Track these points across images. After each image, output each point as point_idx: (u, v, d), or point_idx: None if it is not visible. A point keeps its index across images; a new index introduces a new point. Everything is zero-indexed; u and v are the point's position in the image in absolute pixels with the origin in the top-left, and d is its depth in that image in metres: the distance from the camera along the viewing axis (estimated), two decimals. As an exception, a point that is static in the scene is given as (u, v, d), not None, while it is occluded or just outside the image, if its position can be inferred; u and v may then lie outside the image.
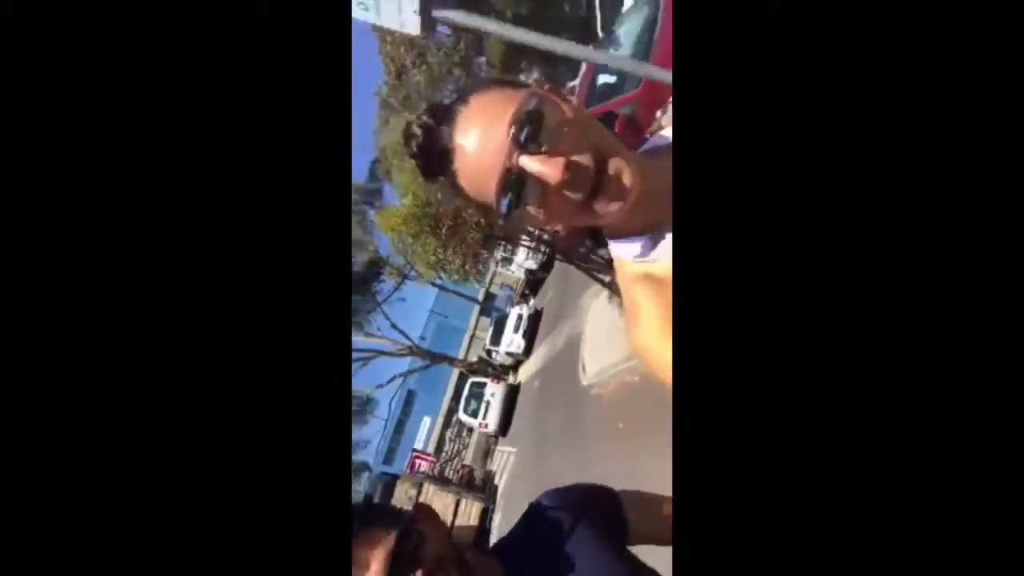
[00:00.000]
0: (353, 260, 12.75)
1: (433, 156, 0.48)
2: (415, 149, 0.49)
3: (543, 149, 0.44)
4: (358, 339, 13.21)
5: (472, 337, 19.07)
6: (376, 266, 12.79)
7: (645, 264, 0.54)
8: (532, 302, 14.31)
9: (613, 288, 6.06)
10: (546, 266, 13.02)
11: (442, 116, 0.48)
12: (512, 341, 12.74)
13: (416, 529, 0.64)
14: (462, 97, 0.48)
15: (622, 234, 0.55)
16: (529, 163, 0.44)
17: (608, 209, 0.46)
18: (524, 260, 13.57)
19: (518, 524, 0.78)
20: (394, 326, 13.48)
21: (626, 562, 0.72)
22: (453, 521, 8.96)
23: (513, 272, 15.78)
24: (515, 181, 0.45)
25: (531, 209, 0.46)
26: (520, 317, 12.97)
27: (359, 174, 15.56)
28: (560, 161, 0.44)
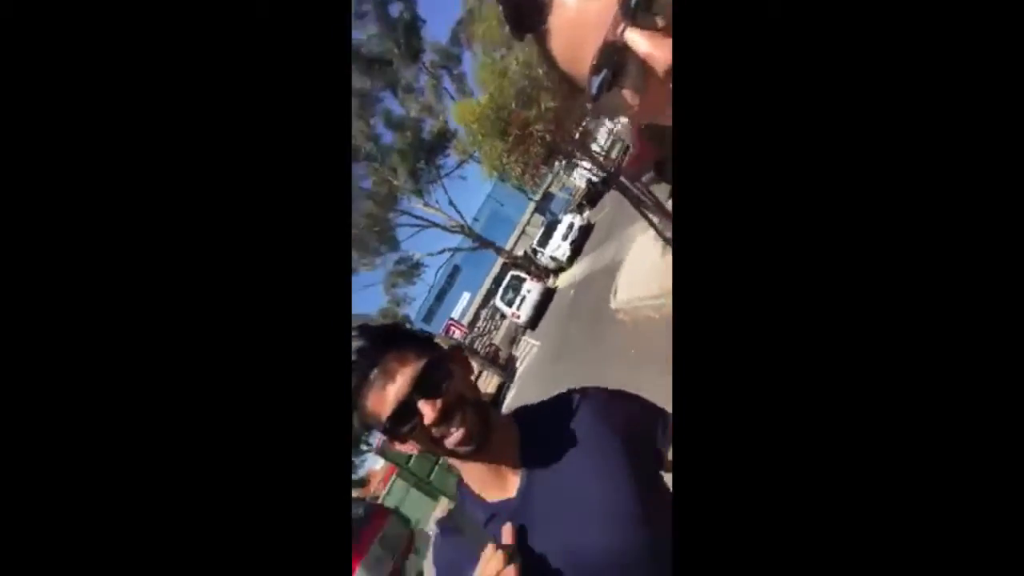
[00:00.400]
0: (423, 127, 12.87)
1: (524, 6, 0.41)
2: None
3: (658, 24, 0.36)
4: (417, 207, 13.54)
5: (522, 232, 19.34)
6: (444, 138, 12.81)
7: None
8: (587, 214, 14.60)
9: (658, 229, 6.43)
10: (607, 182, 13.10)
11: None
12: (559, 247, 13.16)
13: (447, 365, 0.66)
14: None
15: None
16: (638, 40, 0.36)
17: None
18: (588, 170, 13.62)
19: (549, 399, 0.77)
20: (451, 202, 13.73)
21: (642, 483, 0.66)
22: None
23: (575, 180, 15.82)
24: (615, 58, 0.37)
25: (627, 94, 0.39)
26: (571, 226, 13.24)
27: (441, 34, 14.89)
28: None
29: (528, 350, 11.93)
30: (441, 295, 26.25)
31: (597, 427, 0.71)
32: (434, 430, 0.64)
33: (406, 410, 0.63)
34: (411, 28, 12.71)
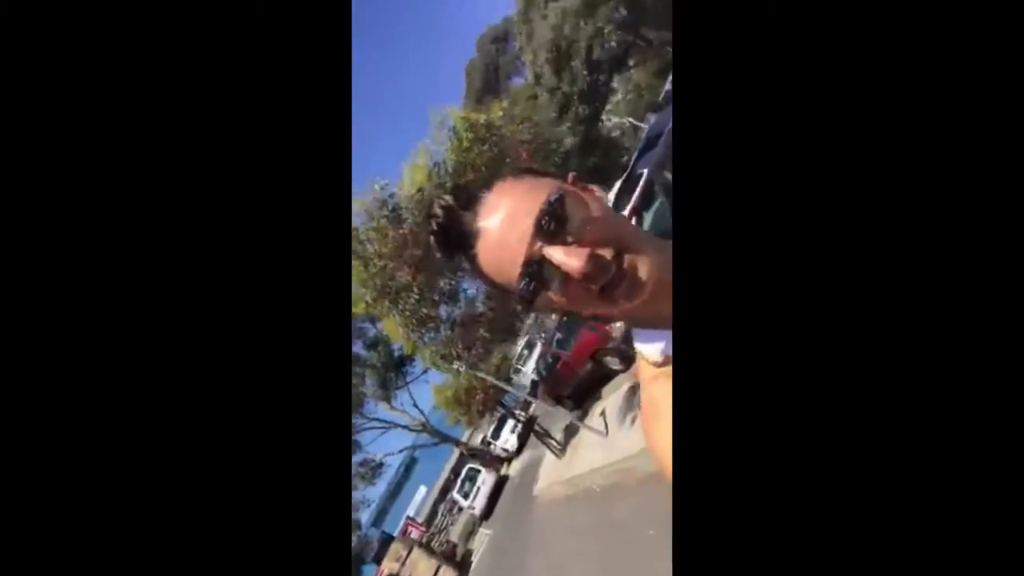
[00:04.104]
0: (394, 344, 13.67)
1: (451, 236, 0.51)
2: (435, 227, 0.51)
3: (568, 240, 0.47)
4: (383, 411, 15.45)
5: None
6: (412, 357, 14.05)
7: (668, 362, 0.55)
8: (532, 408, 13.65)
9: (553, 449, 8.51)
10: (526, 428, 13.65)
11: (465, 200, 0.51)
12: (508, 440, 14.18)
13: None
14: (487, 184, 0.51)
15: (643, 323, 0.56)
16: (553, 253, 0.47)
17: (623, 301, 0.49)
18: (532, 369, 12.75)
19: None
20: (415, 404, 15.40)
21: None
22: (434, 577, 12.80)
23: (523, 381, 13.06)
24: (536, 269, 0.48)
25: (552, 295, 0.49)
26: (518, 420, 13.80)
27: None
28: (584, 252, 0.46)
29: (483, 541, 12.47)
30: (397, 489, 28.88)
31: None
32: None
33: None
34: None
